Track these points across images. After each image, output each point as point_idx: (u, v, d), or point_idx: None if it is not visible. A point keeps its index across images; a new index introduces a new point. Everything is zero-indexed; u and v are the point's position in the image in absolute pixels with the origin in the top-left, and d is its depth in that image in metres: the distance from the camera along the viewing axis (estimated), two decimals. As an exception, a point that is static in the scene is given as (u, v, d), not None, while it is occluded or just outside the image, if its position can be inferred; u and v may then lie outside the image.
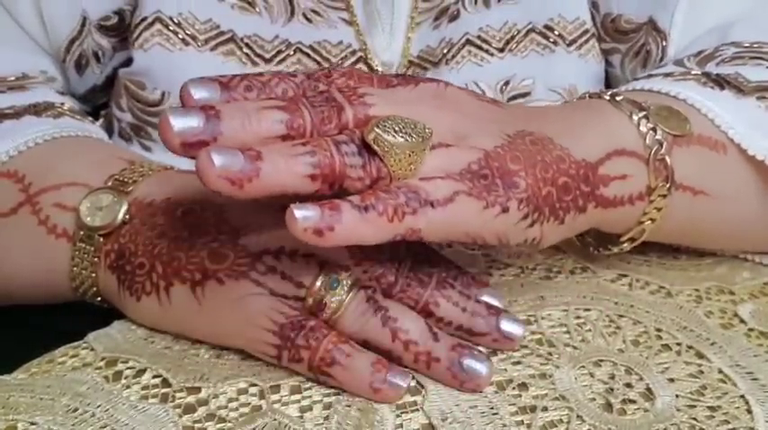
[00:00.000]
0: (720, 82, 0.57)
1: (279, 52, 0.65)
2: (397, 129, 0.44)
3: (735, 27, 0.64)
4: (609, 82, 0.74)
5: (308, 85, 0.47)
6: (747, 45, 0.61)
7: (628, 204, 0.52)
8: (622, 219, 0.53)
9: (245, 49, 0.65)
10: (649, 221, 0.53)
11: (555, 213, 0.48)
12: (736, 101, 0.56)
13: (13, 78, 0.65)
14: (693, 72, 0.59)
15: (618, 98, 0.53)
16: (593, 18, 0.71)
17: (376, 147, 0.44)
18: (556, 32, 0.69)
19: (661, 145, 0.51)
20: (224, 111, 0.43)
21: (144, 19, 0.64)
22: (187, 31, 0.64)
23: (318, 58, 0.66)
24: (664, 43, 0.68)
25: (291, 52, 0.66)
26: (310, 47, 0.66)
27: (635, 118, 0.52)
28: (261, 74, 0.47)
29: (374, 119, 0.45)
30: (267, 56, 0.65)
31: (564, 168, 0.48)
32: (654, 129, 0.52)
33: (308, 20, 0.66)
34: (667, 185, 0.52)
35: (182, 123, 0.42)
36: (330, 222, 0.42)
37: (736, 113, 0.55)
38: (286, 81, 0.47)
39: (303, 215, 0.41)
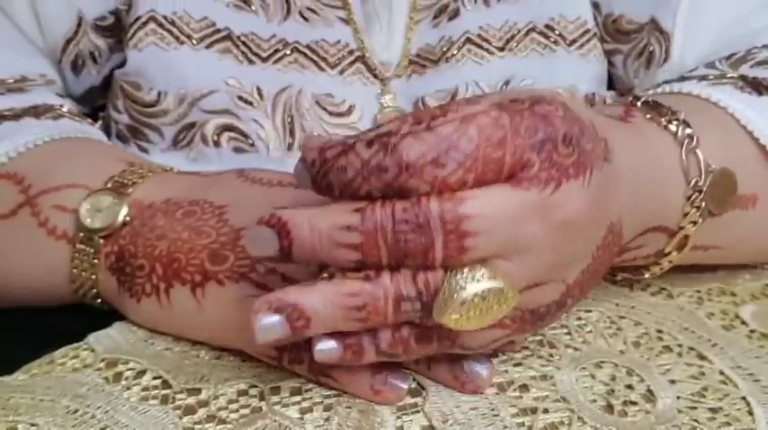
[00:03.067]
0: (758, 86, 0.57)
1: (276, 51, 0.65)
2: (475, 309, 0.40)
3: (763, 32, 0.64)
4: (611, 82, 0.74)
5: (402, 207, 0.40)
6: None
7: (638, 260, 0.53)
8: (629, 265, 0.54)
9: (242, 48, 0.65)
10: (657, 268, 0.55)
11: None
12: None
13: (12, 81, 0.65)
14: (729, 75, 0.59)
15: (686, 137, 0.52)
16: (594, 19, 0.71)
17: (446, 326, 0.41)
18: (556, 32, 0.69)
19: (695, 224, 0.52)
20: (294, 234, 0.41)
21: (138, 18, 0.64)
22: (182, 30, 0.64)
23: (316, 58, 0.66)
24: (667, 43, 0.67)
25: (288, 51, 0.65)
26: (307, 46, 0.66)
27: (690, 194, 0.51)
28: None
29: (453, 300, 0.40)
30: (264, 54, 0.65)
31: (609, 258, 0.47)
32: (698, 208, 0.51)
33: (305, 18, 0.66)
34: (679, 251, 0.53)
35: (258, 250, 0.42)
36: (350, 362, 0.43)
37: None
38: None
39: (324, 348, 0.42)
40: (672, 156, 0.51)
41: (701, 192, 0.51)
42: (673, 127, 0.52)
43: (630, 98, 0.55)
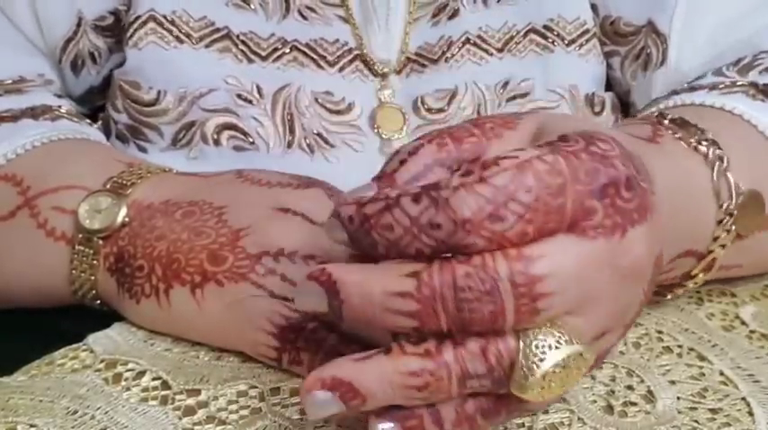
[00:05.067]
0: None
1: (275, 50, 0.65)
2: (556, 377, 0.37)
3: (761, 33, 0.64)
4: (609, 84, 0.73)
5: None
6: None
7: (665, 282, 0.53)
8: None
9: (241, 47, 0.65)
10: (681, 289, 0.54)
11: None
12: None
13: (10, 82, 0.65)
14: (739, 83, 0.58)
15: (716, 159, 0.50)
16: (593, 19, 0.71)
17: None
18: (555, 32, 0.69)
19: (723, 247, 0.51)
20: (344, 297, 0.38)
21: (138, 18, 0.64)
22: (181, 29, 0.64)
23: (315, 57, 0.66)
24: (664, 46, 0.67)
25: (288, 50, 0.65)
26: (306, 45, 0.66)
27: (721, 217, 0.50)
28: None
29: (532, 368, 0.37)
30: (263, 53, 0.65)
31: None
32: (728, 231, 0.51)
33: (304, 17, 0.66)
34: (706, 273, 0.52)
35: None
36: None
37: None
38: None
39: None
40: (703, 178, 0.50)
41: (731, 215, 0.50)
42: (703, 148, 0.50)
43: (656, 115, 0.53)
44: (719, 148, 0.51)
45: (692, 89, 0.60)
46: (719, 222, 0.51)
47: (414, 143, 0.41)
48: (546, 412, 0.45)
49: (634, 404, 0.46)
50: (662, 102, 0.61)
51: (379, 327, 0.38)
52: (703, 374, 0.49)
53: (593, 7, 0.71)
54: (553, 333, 0.37)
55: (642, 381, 0.48)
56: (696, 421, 0.45)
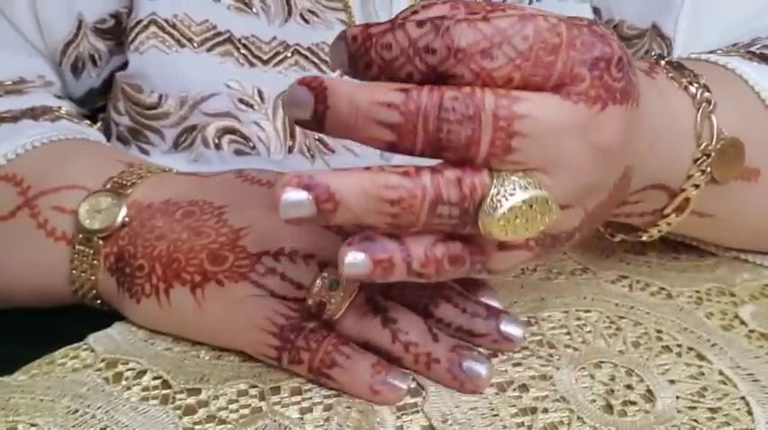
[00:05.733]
0: (765, 57, 0.58)
1: (276, 53, 0.65)
2: (522, 217, 0.40)
3: (765, 33, 0.65)
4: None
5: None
6: None
7: (633, 217, 0.53)
8: (625, 223, 0.54)
9: (243, 50, 0.65)
10: (655, 229, 0.54)
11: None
12: None
13: (10, 82, 0.65)
14: (735, 50, 0.59)
15: (704, 101, 0.52)
16: None
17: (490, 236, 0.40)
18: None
19: (697, 187, 0.52)
20: (331, 102, 0.39)
21: (139, 21, 0.64)
22: (183, 33, 0.64)
23: (317, 61, 0.66)
24: (669, 49, 0.67)
25: (289, 54, 0.65)
26: (308, 49, 0.66)
27: (698, 156, 0.51)
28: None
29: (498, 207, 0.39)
30: (265, 57, 0.65)
31: (615, 202, 0.47)
32: (703, 172, 0.51)
33: (306, 21, 0.66)
34: (678, 214, 0.53)
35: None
36: (378, 278, 0.41)
37: None
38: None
39: (354, 261, 0.40)
40: (687, 117, 0.51)
41: (708, 155, 0.51)
42: (692, 89, 0.52)
43: (655, 56, 0.55)
44: (709, 92, 0.52)
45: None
46: (696, 161, 0.51)
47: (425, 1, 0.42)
48: (545, 411, 0.45)
49: (633, 403, 0.46)
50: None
51: (358, 138, 0.40)
52: (702, 373, 0.49)
53: (596, 11, 0.71)
54: (524, 177, 0.40)
55: (641, 381, 0.48)
56: (695, 420, 0.45)
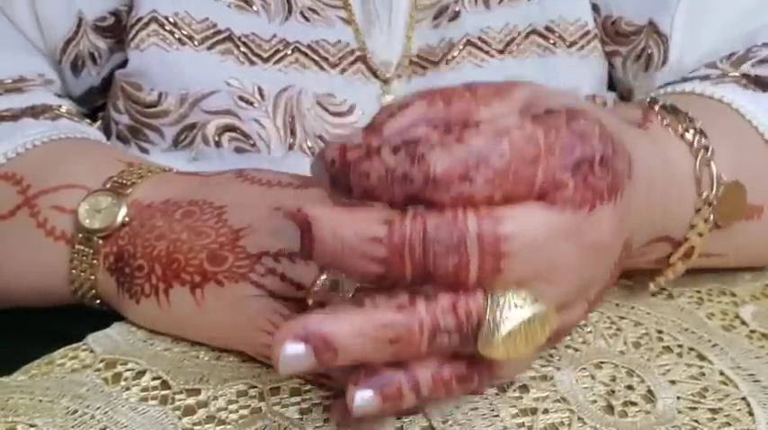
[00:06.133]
0: (761, 83, 0.57)
1: (277, 51, 0.65)
2: (521, 336, 0.38)
3: (762, 31, 0.64)
4: (611, 84, 0.73)
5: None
6: None
7: (640, 264, 0.53)
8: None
9: (243, 48, 0.65)
10: (662, 279, 0.54)
11: None
12: None
13: (10, 81, 0.65)
14: (731, 74, 0.59)
15: (701, 148, 0.51)
16: (594, 20, 0.71)
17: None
18: (556, 34, 0.69)
19: (701, 236, 0.51)
20: (317, 237, 0.39)
21: (140, 19, 0.64)
22: (183, 31, 0.64)
23: (317, 58, 0.66)
24: (665, 46, 0.67)
25: (289, 51, 0.65)
26: (308, 46, 0.66)
27: (700, 206, 0.51)
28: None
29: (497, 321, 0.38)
30: (265, 55, 0.65)
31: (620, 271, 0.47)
32: (706, 221, 0.51)
33: (306, 18, 0.66)
34: (685, 261, 0.53)
35: None
36: (389, 410, 0.40)
37: None
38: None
39: (363, 403, 0.39)
40: (685, 166, 0.51)
41: (710, 205, 0.51)
42: (689, 136, 0.51)
43: (648, 100, 0.54)
44: (706, 137, 0.51)
45: (685, 80, 0.60)
46: (698, 211, 0.51)
47: (405, 98, 0.41)
48: (546, 412, 0.45)
49: (634, 404, 0.46)
50: (654, 93, 0.61)
51: (346, 270, 0.39)
52: (703, 374, 0.49)
53: (595, 7, 0.71)
54: (519, 293, 0.38)
55: (642, 381, 0.48)
56: (696, 421, 0.45)
